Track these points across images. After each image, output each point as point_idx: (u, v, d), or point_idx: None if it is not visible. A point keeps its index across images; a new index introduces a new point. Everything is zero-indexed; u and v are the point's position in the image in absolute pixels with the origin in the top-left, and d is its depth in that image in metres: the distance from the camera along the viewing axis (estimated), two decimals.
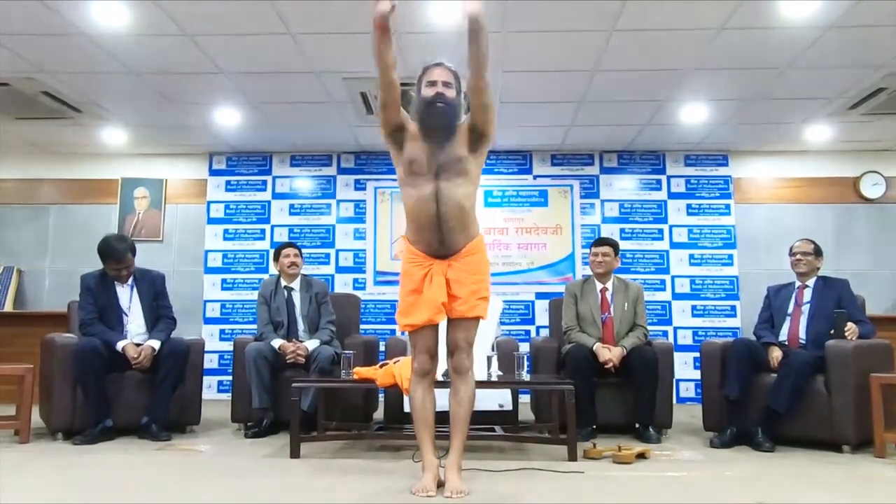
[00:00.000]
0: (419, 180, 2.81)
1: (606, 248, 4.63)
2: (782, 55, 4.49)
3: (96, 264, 4.42)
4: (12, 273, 6.53)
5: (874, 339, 4.09)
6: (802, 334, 4.17)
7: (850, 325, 3.98)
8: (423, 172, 2.81)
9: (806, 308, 4.23)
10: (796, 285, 4.35)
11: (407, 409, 4.15)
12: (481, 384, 3.83)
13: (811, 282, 4.30)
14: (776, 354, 4.04)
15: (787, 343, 4.18)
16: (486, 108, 2.80)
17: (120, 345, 4.17)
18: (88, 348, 4.04)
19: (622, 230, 6.59)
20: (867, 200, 6.55)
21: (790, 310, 4.28)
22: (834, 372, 3.84)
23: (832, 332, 4.00)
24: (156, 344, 4.23)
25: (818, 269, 4.32)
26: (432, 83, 2.85)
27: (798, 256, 4.31)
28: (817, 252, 4.31)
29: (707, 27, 4.13)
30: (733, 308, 6.47)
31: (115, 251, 4.31)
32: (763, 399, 3.91)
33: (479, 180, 2.91)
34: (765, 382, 3.98)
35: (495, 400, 4.26)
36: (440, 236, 2.82)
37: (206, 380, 5.08)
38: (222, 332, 6.55)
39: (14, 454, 3.67)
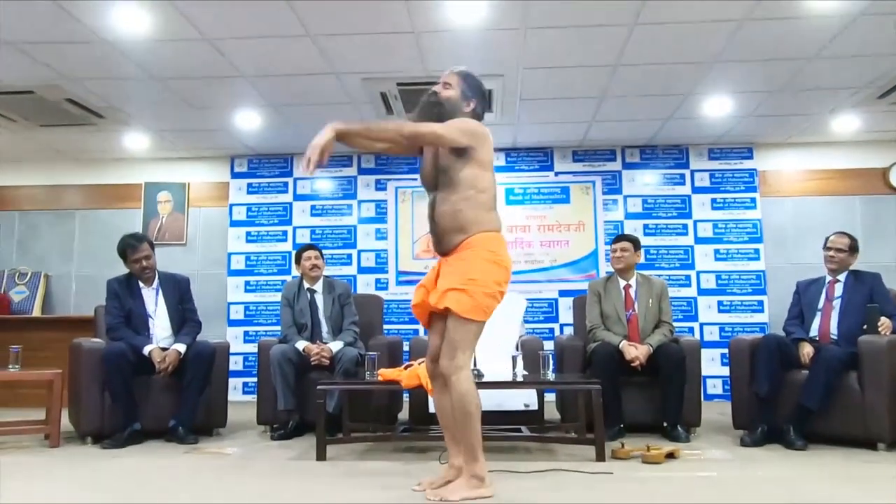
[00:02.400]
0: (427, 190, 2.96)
1: (625, 244, 4.59)
2: (807, 45, 4.41)
3: (121, 269, 4.47)
4: (40, 278, 6.62)
5: None
6: (834, 330, 4.09)
7: (883, 319, 3.90)
8: (425, 183, 2.95)
9: (837, 303, 4.15)
10: (827, 279, 4.26)
11: (432, 409, 4.15)
12: (507, 384, 3.85)
13: (842, 276, 4.21)
14: (807, 350, 3.97)
15: (817, 339, 4.10)
16: (435, 143, 2.84)
17: (146, 349, 4.20)
18: (116, 353, 4.07)
19: (645, 226, 6.51)
20: None
21: (821, 305, 4.20)
22: (867, 368, 3.76)
23: (865, 326, 3.92)
24: (181, 348, 4.26)
25: (850, 265, 4.23)
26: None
27: (832, 253, 4.22)
28: (852, 248, 4.21)
29: (730, 18, 4.06)
30: (760, 303, 6.37)
31: (130, 243, 4.38)
32: (794, 396, 3.84)
33: (477, 183, 2.79)
34: (795, 379, 3.91)
35: (521, 400, 4.23)
36: (436, 238, 2.86)
37: (232, 382, 5.10)
38: (246, 334, 6.59)
39: (44, 458, 3.71)
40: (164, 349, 4.25)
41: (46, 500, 2.82)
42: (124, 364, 4.06)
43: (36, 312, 6.51)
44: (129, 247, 4.38)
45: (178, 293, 4.52)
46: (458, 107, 2.90)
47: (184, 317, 4.49)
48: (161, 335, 4.37)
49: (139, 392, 4.15)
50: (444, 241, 2.83)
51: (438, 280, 2.81)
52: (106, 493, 2.93)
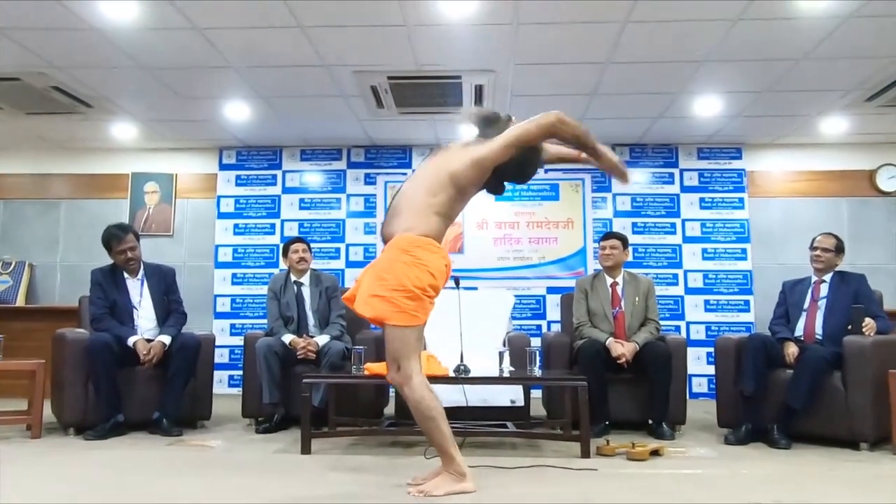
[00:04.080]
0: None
1: (614, 241, 4.60)
2: (798, 47, 4.42)
3: (107, 259, 4.43)
4: (24, 268, 6.55)
5: (892, 335, 4.04)
6: (819, 330, 4.11)
7: (867, 320, 3.93)
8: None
9: (822, 303, 4.18)
10: (812, 280, 4.29)
11: None
12: (493, 380, 3.85)
13: (828, 276, 4.24)
14: (792, 350, 3.99)
15: (802, 338, 4.13)
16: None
17: (131, 340, 4.17)
18: (100, 344, 4.04)
19: (634, 224, 6.53)
20: (883, 193, 6.46)
21: (806, 305, 4.22)
22: (851, 368, 3.78)
23: (849, 327, 3.94)
24: (166, 339, 4.23)
25: (836, 266, 4.26)
26: None
27: (818, 252, 4.25)
28: (838, 249, 4.25)
29: (722, 18, 4.07)
30: (747, 303, 6.40)
31: (115, 233, 4.34)
32: (778, 395, 3.86)
33: (462, 185, 2.77)
34: (780, 378, 3.93)
35: (507, 396, 4.23)
36: (387, 217, 2.84)
37: (217, 374, 5.08)
38: (233, 326, 6.55)
39: (26, 449, 3.68)
40: (148, 340, 4.22)
41: (27, 491, 2.79)
42: (108, 355, 4.03)
43: (20, 302, 6.44)
44: (113, 237, 4.34)
45: (164, 284, 4.49)
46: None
47: (169, 308, 4.46)
48: (146, 326, 4.34)
49: (123, 383, 4.11)
50: (385, 222, 2.82)
51: (361, 282, 2.77)
52: (88, 485, 2.91)
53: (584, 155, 2.97)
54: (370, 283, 2.72)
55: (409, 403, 2.71)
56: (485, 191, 2.88)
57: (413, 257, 2.68)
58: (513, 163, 2.77)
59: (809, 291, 4.26)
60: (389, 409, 4.69)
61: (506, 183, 2.91)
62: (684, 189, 6.57)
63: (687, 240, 6.51)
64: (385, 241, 2.81)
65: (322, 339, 4.48)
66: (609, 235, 4.69)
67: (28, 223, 6.78)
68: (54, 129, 6.22)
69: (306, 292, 4.73)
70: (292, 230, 6.60)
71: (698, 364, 6.22)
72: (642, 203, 6.57)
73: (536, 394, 4.85)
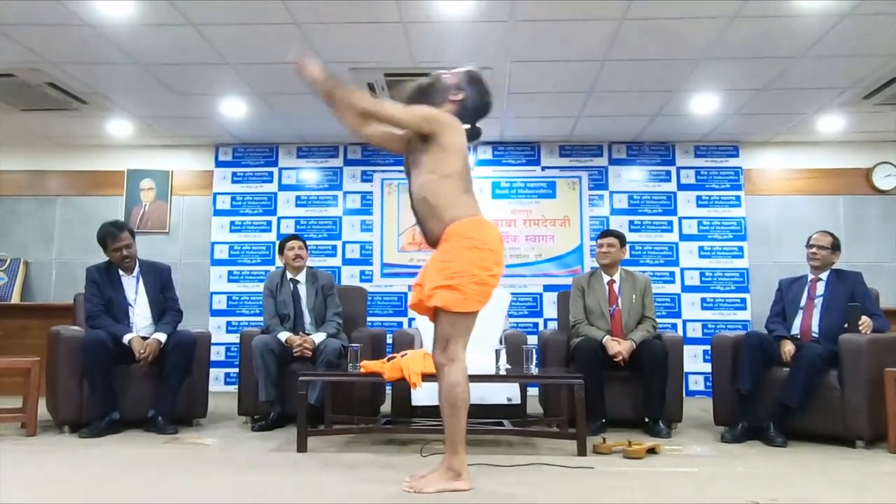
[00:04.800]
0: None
1: (612, 239, 4.60)
2: (795, 44, 4.42)
3: (103, 257, 4.41)
4: (19, 265, 6.53)
5: (888, 333, 4.04)
6: (815, 328, 4.11)
7: (863, 318, 3.92)
8: (406, 171, 2.97)
9: (819, 301, 4.18)
10: (809, 278, 4.29)
11: (415, 402, 4.14)
12: (490, 378, 3.84)
13: (824, 275, 4.24)
14: (788, 348, 3.99)
15: (799, 337, 4.13)
16: (390, 123, 2.83)
17: (126, 338, 4.15)
18: (95, 341, 4.02)
19: (631, 222, 6.53)
20: (880, 192, 6.47)
21: (803, 303, 4.22)
22: (847, 366, 3.79)
23: (846, 325, 3.94)
24: (162, 337, 4.21)
25: (833, 263, 4.26)
26: None
27: (814, 250, 4.25)
28: (834, 246, 4.25)
29: (719, 16, 4.06)
30: (743, 301, 6.40)
31: (111, 231, 4.33)
32: (775, 393, 3.86)
33: (440, 167, 2.75)
34: (777, 376, 3.93)
35: (503, 394, 4.22)
36: (421, 228, 2.86)
37: (213, 372, 5.06)
38: (229, 324, 6.54)
39: (20, 447, 3.66)
40: (144, 338, 4.20)
41: (21, 489, 2.77)
42: (103, 353, 4.01)
43: (15, 299, 6.42)
44: (109, 235, 4.32)
45: (160, 282, 4.48)
46: (445, 91, 2.87)
47: (164, 306, 4.44)
48: (141, 324, 4.33)
49: (118, 381, 4.10)
50: (425, 229, 2.83)
51: (425, 277, 2.78)
52: (82, 483, 2.90)
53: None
54: (433, 277, 2.72)
55: (442, 385, 2.71)
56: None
57: (471, 239, 2.70)
58: (469, 103, 2.89)
59: (806, 289, 4.26)
60: (386, 407, 4.68)
61: (477, 124, 2.99)
62: (681, 187, 6.57)
63: (683, 238, 6.51)
64: (435, 244, 2.80)
65: (318, 337, 4.47)
66: (606, 233, 4.69)
67: (23, 220, 6.75)
68: (49, 126, 6.20)
69: (302, 290, 4.72)
70: (289, 227, 6.59)
71: (695, 362, 6.23)
72: (639, 201, 6.57)
73: (533, 392, 4.85)
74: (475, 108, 2.93)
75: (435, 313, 2.75)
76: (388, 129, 2.92)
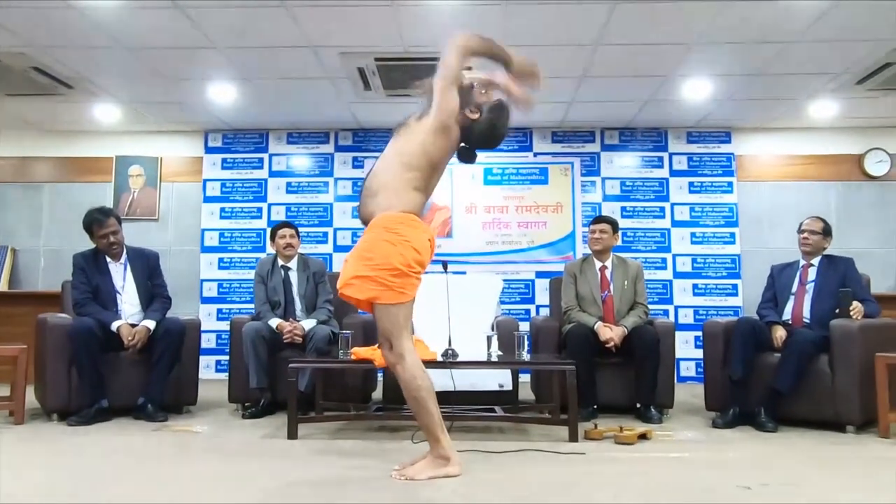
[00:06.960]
0: None
1: (604, 226, 4.58)
2: (788, 30, 4.39)
3: (90, 244, 4.36)
4: (6, 252, 6.47)
5: (880, 319, 4.05)
6: (806, 313, 4.12)
7: (855, 303, 3.93)
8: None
9: (810, 287, 4.18)
10: (800, 264, 4.29)
11: None
12: (481, 364, 3.83)
13: (816, 260, 4.24)
14: (780, 334, 3.99)
15: (790, 322, 4.13)
16: (442, 73, 2.73)
17: (115, 325, 4.12)
18: (83, 329, 3.98)
19: (623, 208, 6.51)
20: (872, 178, 6.47)
21: (794, 289, 4.22)
22: (838, 351, 3.79)
23: (837, 311, 3.95)
24: (150, 324, 4.18)
25: (824, 249, 4.26)
26: None
27: (805, 235, 4.25)
28: (826, 232, 4.25)
29: (711, 0, 4.02)
30: (735, 287, 6.41)
31: (97, 217, 4.28)
32: (766, 379, 3.87)
33: (413, 160, 2.72)
34: (768, 362, 3.94)
35: (495, 380, 4.22)
36: (360, 198, 2.82)
37: (204, 359, 5.04)
38: (220, 311, 6.50)
39: (8, 435, 3.63)
40: (132, 325, 4.17)
41: (9, 477, 2.74)
42: (92, 340, 3.98)
43: (2, 287, 6.36)
44: (95, 222, 4.27)
45: (148, 269, 4.44)
46: (470, 102, 2.75)
47: (153, 293, 4.40)
48: (129, 311, 4.29)
49: (107, 369, 4.06)
50: (361, 203, 2.79)
51: (346, 264, 2.76)
52: (71, 471, 2.87)
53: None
54: (353, 264, 2.71)
55: (401, 382, 2.70)
56: (458, 160, 2.85)
57: (396, 234, 2.67)
58: (479, 127, 2.75)
59: (797, 275, 4.25)
60: (377, 394, 4.66)
61: (477, 151, 2.86)
62: (673, 173, 6.56)
63: (676, 224, 6.51)
64: (365, 222, 2.78)
65: (308, 324, 4.44)
66: (599, 220, 4.67)
67: (10, 207, 6.67)
68: (35, 111, 6.12)
69: (293, 277, 4.69)
70: (279, 214, 6.54)
71: (686, 348, 6.24)
72: (631, 187, 6.55)
73: (525, 378, 4.84)
74: (481, 133, 2.77)
75: (371, 306, 2.72)
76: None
